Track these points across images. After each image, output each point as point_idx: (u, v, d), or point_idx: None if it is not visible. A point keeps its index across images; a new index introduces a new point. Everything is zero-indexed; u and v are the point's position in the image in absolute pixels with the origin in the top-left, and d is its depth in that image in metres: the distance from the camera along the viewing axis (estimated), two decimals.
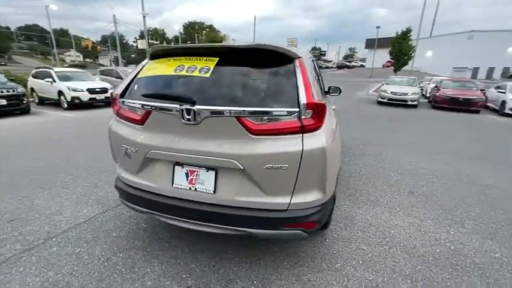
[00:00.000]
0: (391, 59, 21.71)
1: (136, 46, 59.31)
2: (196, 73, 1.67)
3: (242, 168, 1.53)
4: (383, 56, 40.19)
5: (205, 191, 1.66)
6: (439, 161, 4.54)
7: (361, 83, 24.57)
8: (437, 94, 11.74)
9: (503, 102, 10.48)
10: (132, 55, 76.28)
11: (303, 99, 1.49)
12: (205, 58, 1.72)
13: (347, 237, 2.37)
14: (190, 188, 1.69)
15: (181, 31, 58.88)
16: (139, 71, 1.92)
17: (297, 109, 1.50)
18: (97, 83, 10.22)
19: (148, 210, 1.85)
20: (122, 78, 12.02)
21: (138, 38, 57.88)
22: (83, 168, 3.85)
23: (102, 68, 15.90)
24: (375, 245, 2.27)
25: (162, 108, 1.63)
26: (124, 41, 78.29)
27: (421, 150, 5.15)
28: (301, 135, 1.53)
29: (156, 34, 57.86)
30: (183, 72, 1.70)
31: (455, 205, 3.01)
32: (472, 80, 14.75)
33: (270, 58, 1.67)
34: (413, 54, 20.83)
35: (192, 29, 66.95)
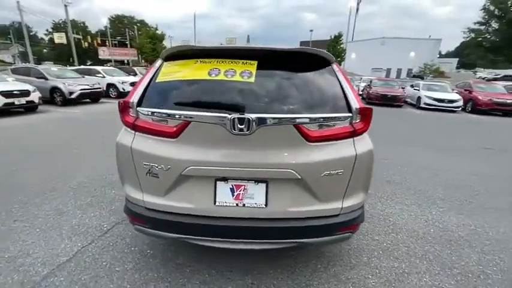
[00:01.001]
0: None
1: (50, 40, 50.40)
2: (237, 78, 1.51)
3: (299, 177, 1.47)
4: None
5: (255, 205, 1.53)
6: (395, 151, 5.22)
7: None
8: (370, 91, 13.47)
9: (419, 98, 12.71)
10: (44, 50, 64.66)
11: (355, 104, 1.51)
12: (242, 61, 1.57)
13: (359, 230, 2.52)
14: (237, 205, 1.53)
15: (108, 25, 52.50)
16: (154, 75, 1.63)
17: (350, 114, 1.51)
18: (13, 84, 8.31)
19: (182, 236, 1.60)
20: (45, 78, 10.07)
21: (51, 30, 49.34)
22: (32, 191, 3.09)
23: (15, 66, 13.02)
24: (384, 234, 2.48)
25: (206, 118, 1.42)
26: (31, 33, 65.34)
27: (377, 142, 5.83)
28: (352, 139, 1.55)
29: (76, 27, 50.12)
30: (221, 77, 1.52)
31: (424, 188, 3.52)
32: (395, 79, 17.45)
33: (309, 62, 1.63)
34: (344, 56, 23.52)
35: (120, 23, 60.51)
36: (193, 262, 2.03)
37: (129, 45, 44.75)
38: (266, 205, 1.53)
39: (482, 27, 35.40)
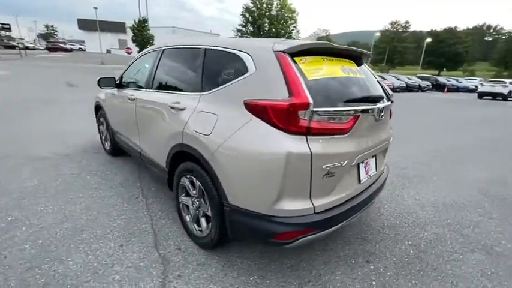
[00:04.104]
0: (136, 46, 21.81)
1: None
2: (357, 74, 1.80)
3: (388, 145, 2.10)
4: (111, 40, 38.22)
5: (373, 174, 1.98)
6: None
7: (104, 70, 22.49)
8: None
9: None
10: None
11: (391, 92, 2.31)
12: (347, 60, 1.84)
13: None
14: (368, 178, 1.90)
15: None
16: (303, 73, 1.48)
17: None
18: None
19: (342, 224, 1.71)
20: None
21: None
22: None
23: None
24: None
25: (367, 111, 1.63)
26: None
27: None
28: None
29: None
30: (351, 74, 1.73)
31: None
32: None
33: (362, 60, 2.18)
34: (154, 43, 22.50)
35: None
36: (283, 260, 2.05)
37: None
38: (376, 170, 2.03)
39: (244, 29, 47.31)
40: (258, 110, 1.49)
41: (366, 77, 1.96)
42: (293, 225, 1.50)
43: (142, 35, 20.71)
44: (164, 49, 2.52)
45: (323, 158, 1.47)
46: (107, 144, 3.93)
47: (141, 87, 2.82)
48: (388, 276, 1.90)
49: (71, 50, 42.05)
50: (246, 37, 48.28)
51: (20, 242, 2.05)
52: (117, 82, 3.25)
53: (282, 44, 1.56)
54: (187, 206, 2.16)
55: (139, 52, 17.48)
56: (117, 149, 3.77)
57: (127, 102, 2.87)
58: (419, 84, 24.10)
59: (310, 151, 1.41)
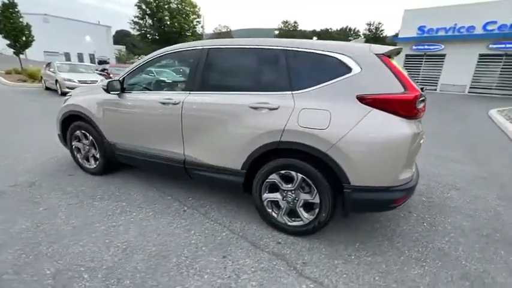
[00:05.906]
0: (4, 37, 15.77)
1: None
2: None
3: None
4: None
5: None
6: None
7: None
8: None
9: None
10: None
11: None
12: None
13: None
14: None
15: None
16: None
17: None
18: None
19: None
20: None
21: None
22: None
23: None
24: None
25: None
26: None
27: None
28: None
29: None
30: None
31: None
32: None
33: None
34: (32, 33, 16.87)
35: None
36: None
37: None
38: None
39: (142, 22, 42.81)
40: (379, 102, 1.80)
41: None
42: (404, 190, 1.92)
43: (12, 24, 15.60)
44: (210, 48, 2.38)
45: (421, 135, 1.94)
46: (91, 163, 3.21)
47: (174, 89, 2.55)
48: (429, 218, 2.61)
49: None
50: (145, 30, 43.86)
51: None
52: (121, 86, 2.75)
53: (378, 48, 1.91)
54: (273, 202, 2.24)
55: (10, 46, 13.28)
56: (110, 166, 3.18)
57: (156, 108, 2.53)
58: None
59: (420, 130, 1.86)
